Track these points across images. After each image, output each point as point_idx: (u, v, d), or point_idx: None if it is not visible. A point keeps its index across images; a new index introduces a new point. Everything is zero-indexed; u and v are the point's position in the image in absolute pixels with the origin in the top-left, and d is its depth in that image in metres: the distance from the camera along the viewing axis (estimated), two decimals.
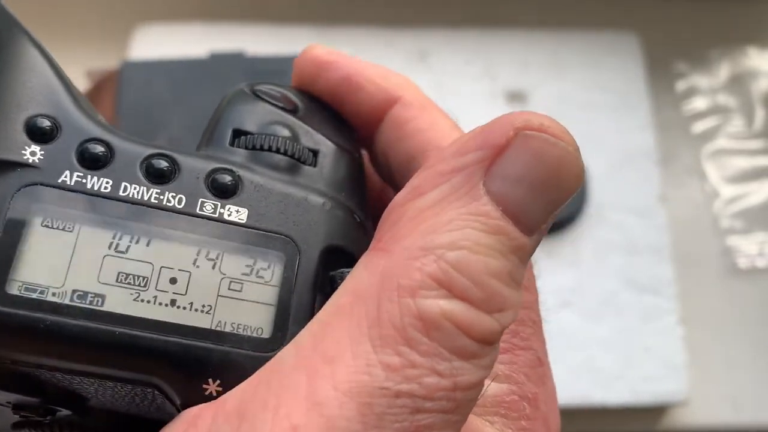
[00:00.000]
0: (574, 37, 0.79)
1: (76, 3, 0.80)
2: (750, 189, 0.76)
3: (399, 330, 0.22)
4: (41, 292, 0.23)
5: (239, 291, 0.25)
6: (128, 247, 0.24)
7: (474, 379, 0.22)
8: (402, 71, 0.32)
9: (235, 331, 0.24)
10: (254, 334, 0.25)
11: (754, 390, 0.69)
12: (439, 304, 0.22)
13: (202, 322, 0.24)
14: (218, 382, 0.24)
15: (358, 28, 0.75)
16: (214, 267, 0.25)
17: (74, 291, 0.24)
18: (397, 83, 0.31)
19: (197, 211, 0.25)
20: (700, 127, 0.78)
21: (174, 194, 0.25)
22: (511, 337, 0.28)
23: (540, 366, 0.29)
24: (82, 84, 0.66)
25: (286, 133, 0.28)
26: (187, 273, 0.25)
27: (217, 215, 0.26)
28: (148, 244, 0.25)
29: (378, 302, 0.22)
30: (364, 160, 0.32)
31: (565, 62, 0.77)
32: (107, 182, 0.25)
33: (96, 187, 0.25)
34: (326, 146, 0.29)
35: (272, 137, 0.28)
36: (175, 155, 0.26)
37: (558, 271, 0.68)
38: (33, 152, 0.25)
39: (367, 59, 0.32)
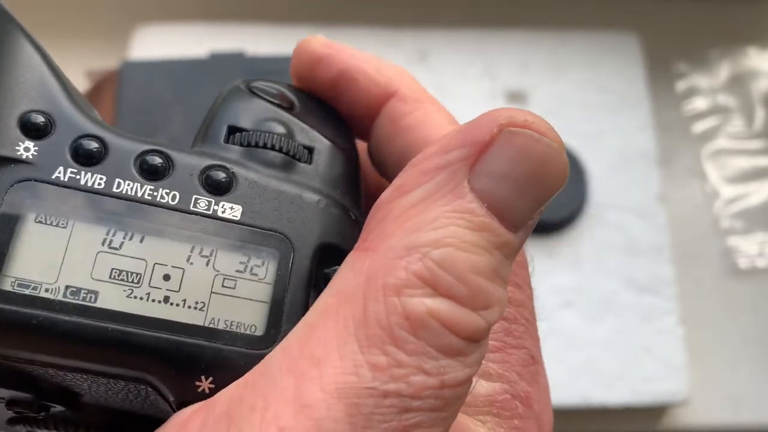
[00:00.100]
0: (574, 37, 0.79)
1: (76, 3, 0.80)
2: (750, 189, 0.76)
3: (385, 329, 0.22)
4: (34, 288, 0.23)
5: (233, 288, 0.25)
6: (122, 243, 0.24)
7: (461, 376, 0.22)
8: None
9: (228, 329, 0.24)
10: (247, 332, 0.25)
11: (754, 390, 0.69)
12: (425, 303, 0.22)
13: (195, 319, 0.24)
14: (211, 379, 0.24)
15: (358, 28, 0.75)
16: (207, 264, 0.25)
17: (67, 287, 0.24)
18: (393, 77, 0.31)
19: (191, 207, 0.25)
20: (700, 127, 0.78)
21: (168, 191, 0.25)
22: (503, 335, 0.28)
23: (533, 364, 0.29)
24: (82, 84, 0.66)
25: (281, 130, 0.28)
26: (180, 270, 0.25)
27: (211, 212, 0.26)
28: (141, 241, 0.25)
29: (364, 302, 0.22)
30: (360, 155, 0.32)
31: (565, 62, 0.77)
32: (101, 178, 0.25)
33: (90, 184, 0.25)
34: (321, 143, 0.29)
35: (267, 134, 0.28)
36: (169, 152, 0.26)
37: (558, 271, 0.68)
38: (27, 148, 0.25)
39: None
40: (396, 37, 0.77)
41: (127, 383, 0.25)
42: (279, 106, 0.29)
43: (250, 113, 0.29)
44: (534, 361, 0.29)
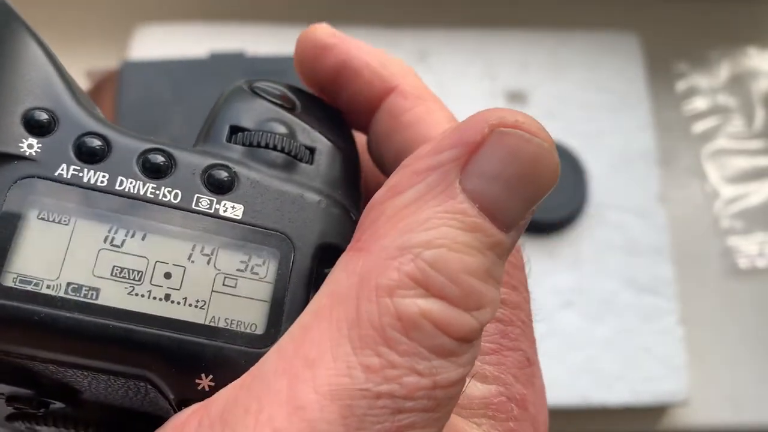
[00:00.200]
0: (574, 37, 0.79)
1: (76, 3, 0.80)
2: (750, 189, 0.76)
3: (378, 330, 0.22)
4: (36, 285, 0.23)
5: (233, 287, 0.25)
6: (123, 241, 0.24)
7: (454, 377, 0.22)
8: None
9: (228, 327, 0.24)
10: (248, 330, 0.25)
11: (754, 390, 0.69)
12: (417, 304, 0.22)
13: (195, 317, 0.24)
14: (211, 377, 0.24)
15: (358, 28, 0.75)
16: (208, 262, 0.25)
17: (69, 284, 0.24)
18: (396, 71, 0.31)
19: (193, 206, 0.25)
20: (700, 127, 0.78)
21: (170, 189, 0.25)
22: (499, 337, 0.28)
23: (528, 366, 0.29)
24: (82, 84, 0.66)
25: (283, 130, 0.28)
26: (181, 268, 0.25)
27: (212, 211, 0.26)
28: (143, 239, 0.25)
29: (357, 303, 0.22)
30: (359, 151, 0.32)
31: (565, 62, 0.78)
32: (104, 176, 0.25)
33: (92, 181, 0.25)
34: (323, 144, 0.29)
35: (269, 134, 0.28)
36: (172, 150, 0.26)
37: (558, 272, 0.68)
38: (30, 145, 0.25)
39: None
40: (396, 37, 0.77)
41: (127, 380, 0.25)
42: (281, 106, 0.29)
43: (252, 113, 0.29)
44: (530, 363, 0.29)
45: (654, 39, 0.80)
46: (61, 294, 0.23)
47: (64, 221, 0.24)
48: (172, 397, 0.24)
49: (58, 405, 0.27)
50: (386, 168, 0.32)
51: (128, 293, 0.24)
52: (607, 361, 0.66)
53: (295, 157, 0.28)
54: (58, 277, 0.24)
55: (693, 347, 0.68)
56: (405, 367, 0.22)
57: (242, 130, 0.28)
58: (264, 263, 0.25)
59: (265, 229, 0.26)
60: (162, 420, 0.26)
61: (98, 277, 0.24)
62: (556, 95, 0.76)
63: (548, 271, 0.68)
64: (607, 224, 0.71)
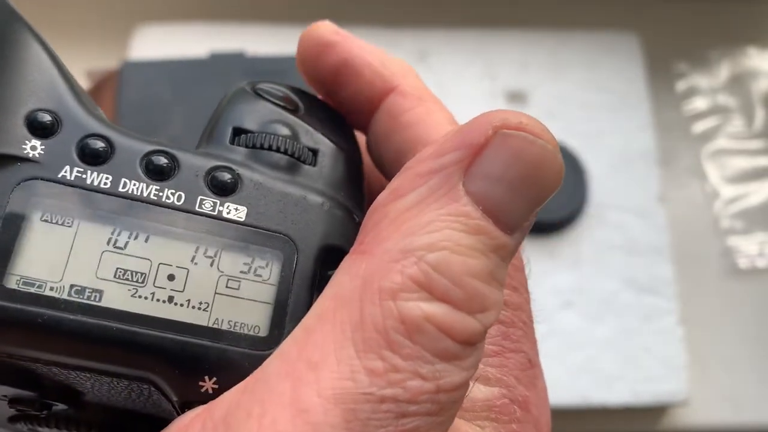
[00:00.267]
0: (573, 37, 0.79)
1: (76, 3, 0.80)
2: (750, 189, 0.76)
3: (381, 333, 0.22)
4: (39, 287, 0.23)
5: (237, 289, 0.25)
6: (127, 243, 0.24)
7: (457, 380, 0.22)
8: None
9: (232, 329, 0.24)
10: (251, 332, 0.25)
11: (754, 390, 0.69)
12: (421, 307, 0.22)
13: (199, 319, 0.24)
14: (214, 379, 0.24)
15: (358, 28, 0.74)
16: (212, 264, 0.25)
17: (72, 286, 0.24)
18: (397, 71, 0.31)
19: (196, 208, 0.25)
20: (700, 127, 0.78)
21: (173, 191, 0.25)
22: (501, 339, 0.28)
23: (530, 368, 0.29)
24: (82, 84, 0.66)
25: (286, 132, 0.28)
26: (185, 270, 0.25)
27: (216, 213, 0.26)
28: (146, 241, 0.25)
29: (360, 306, 0.22)
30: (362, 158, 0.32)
31: (565, 62, 0.78)
32: (107, 178, 0.25)
33: (96, 183, 0.25)
34: (326, 146, 0.29)
35: (272, 136, 0.28)
36: (175, 152, 0.26)
37: (558, 272, 0.68)
38: (33, 147, 0.25)
39: None
40: (396, 37, 0.77)
41: (130, 382, 0.25)
42: (284, 108, 0.29)
43: (255, 115, 0.29)
44: (532, 365, 0.29)
45: (654, 39, 0.80)
46: (65, 296, 0.23)
47: (68, 223, 0.24)
48: (175, 399, 0.24)
49: (60, 407, 0.27)
50: (385, 168, 0.32)
51: (131, 295, 0.24)
52: (607, 361, 0.66)
53: (298, 158, 0.28)
54: (61, 279, 0.24)
55: (693, 347, 0.68)
56: (409, 370, 0.22)
57: (245, 131, 0.28)
58: (267, 265, 0.25)
59: (268, 231, 0.26)
60: (164, 422, 0.26)
61: (101, 279, 0.24)
62: (556, 95, 0.76)
63: (548, 271, 0.68)
64: (607, 224, 0.71)
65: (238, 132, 0.28)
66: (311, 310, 0.24)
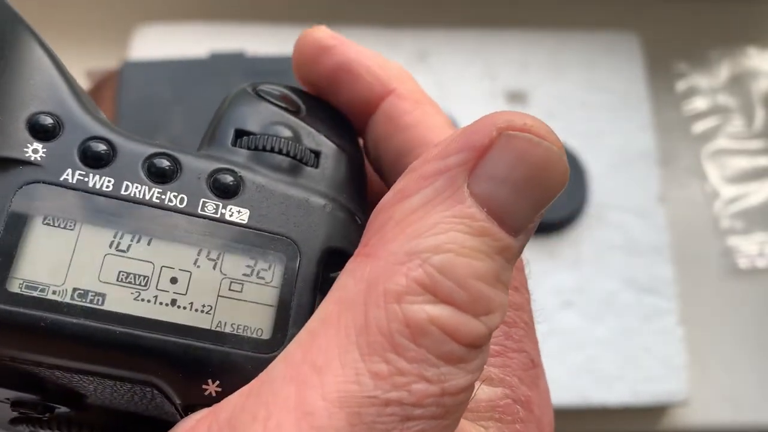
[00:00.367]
0: (573, 37, 0.79)
1: (76, 3, 0.80)
2: (750, 189, 0.76)
3: (386, 336, 0.22)
4: (42, 290, 0.23)
5: (239, 291, 0.25)
6: (129, 246, 0.24)
7: (463, 383, 0.22)
8: None
9: (235, 332, 0.24)
10: (254, 335, 0.25)
11: (754, 390, 0.69)
12: (425, 310, 0.22)
13: (202, 322, 0.24)
14: (218, 382, 0.24)
15: (358, 28, 0.75)
16: (214, 267, 0.25)
17: (75, 289, 0.24)
18: (394, 75, 0.31)
19: (198, 211, 0.25)
20: (700, 127, 0.78)
21: (176, 194, 0.25)
22: (503, 339, 0.28)
23: (533, 368, 0.29)
24: (82, 84, 0.66)
25: (288, 133, 0.28)
26: (187, 273, 0.25)
27: (218, 215, 0.25)
28: (149, 244, 0.25)
29: (365, 309, 0.22)
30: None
31: (565, 62, 0.78)
32: (109, 181, 0.25)
33: (98, 186, 0.25)
34: (328, 147, 0.29)
35: (274, 138, 0.28)
36: (177, 155, 0.26)
37: (558, 272, 0.68)
38: (35, 150, 0.25)
39: None
40: (396, 37, 0.77)
41: (133, 385, 0.25)
42: (286, 109, 0.29)
43: (257, 117, 0.29)
44: (534, 365, 0.29)
45: (654, 39, 0.80)
46: (67, 300, 0.23)
47: (70, 226, 0.24)
48: (178, 402, 0.24)
49: (62, 409, 0.26)
50: (383, 170, 0.32)
51: (134, 298, 0.24)
52: (607, 361, 0.66)
53: (300, 160, 0.28)
54: (63, 283, 0.24)
55: (693, 347, 0.68)
56: (413, 374, 0.21)
57: (247, 133, 0.28)
58: (270, 268, 0.25)
59: (270, 233, 0.26)
60: (167, 424, 0.26)
61: (104, 282, 0.24)
62: (556, 95, 0.76)
63: (548, 271, 0.68)
64: (607, 224, 0.71)
65: (240, 134, 0.28)
66: (315, 313, 0.24)
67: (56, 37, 0.27)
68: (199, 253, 0.25)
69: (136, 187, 0.25)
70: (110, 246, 0.24)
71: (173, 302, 0.24)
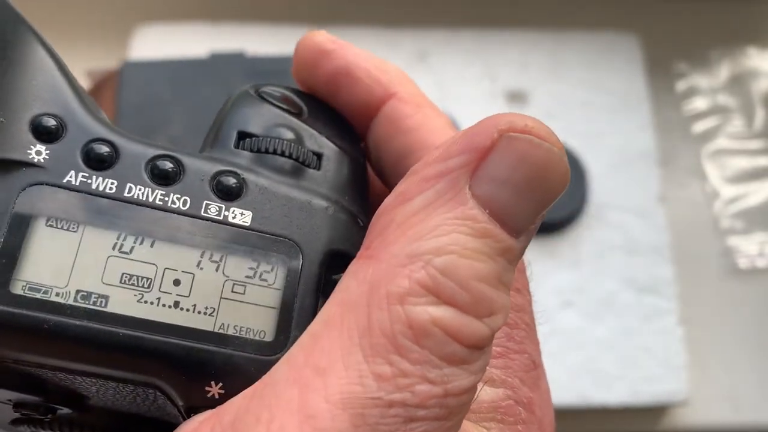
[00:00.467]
0: (573, 37, 0.79)
1: (76, 3, 0.80)
2: (750, 189, 0.76)
3: (389, 338, 0.22)
4: (45, 292, 0.23)
5: (242, 294, 0.25)
6: (132, 248, 0.24)
7: (466, 384, 0.22)
8: None
9: (237, 334, 0.24)
10: (257, 337, 0.25)
11: (754, 390, 0.69)
12: (428, 311, 0.22)
13: (205, 324, 0.24)
14: (220, 384, 0.24)
15: (358, 28, 0.75)
16: (217, 269, 0.25)
17: (78, 291, 0.24)
18: (394, 78, 0.31)
19: (202, 213, 0.25)
20: (700, 127, 0.78)
21: (179, 196, 0.25)
22: (505, 340, 0.28)
23: (534, 369, 0.29)
24: (82, 84, 0.66)
25: (290, 135, 0.28)
26: (190, 275, 0.25)
27: (221, 217, 0.25)
28: (152, 246, 0.24)
29: (368, 311, 0.22)
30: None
31: (565, 63, 0.78)
32: (112, 183, 0.25)
33: (101, 188, 0.25)
34: (330, 149, 0.29)
35: (277, 140, 0.28)
36: (180, 156, 0.26)
37: (558, 272, 0.68)
38: (38, 152, 0.25)
39: None
40: (396, 37, 0.77)
41: (135, 387, 0.25)
42: (288, 111, 0.29)
43: (259, 119, 0.29)
44: (535, 366, 0.29)
45: (654, 39, 0.80)
46: (70, 302, 0.23)
47: (73, 228, 0.24)
48: (181, 404, 0.24)
49: (64, 410, 0.26)
50: (385, 173, 0.32)
51: (137, 300, 0.24)
52: (606, 361, 0.66)
53: (302, 163, 0.28)
54: (66, 285, 0.23)
55: (693, 347, 0.68)
56: (417, 375, 0.22)
57: (250, 135, 0.28)
58: (272, 270, 0.25)
59: (273, 235, 0.26)
60: (169, 425, 0.26)
61: (107, 284, 0.24)
62: (556, 95, 0.76)
63: (548, 271, 0.68)
64: (607, 224, 0.71)
65: (242, 136, 0.28)
66: (318, 315, 0.24)
67: (56, 37, 0.27)
68: (202, 255, 0.25)
69: (139, 189, 0.25)
70: (113, 248, 0.24)
71: (176, 304, 0.24)
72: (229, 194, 0.26)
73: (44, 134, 0.25)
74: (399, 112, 0.31)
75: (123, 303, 0.24)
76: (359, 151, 0.31)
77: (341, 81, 0.31)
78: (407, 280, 0.22)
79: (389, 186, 0.31)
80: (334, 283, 0.25)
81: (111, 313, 0.24)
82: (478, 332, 0.22)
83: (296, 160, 0.28)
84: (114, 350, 0.23)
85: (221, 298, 0.25)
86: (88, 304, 0.23)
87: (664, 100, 0.79)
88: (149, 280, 0.24)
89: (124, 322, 0.24)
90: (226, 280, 0.25)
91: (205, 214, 0.25)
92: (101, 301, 0.24)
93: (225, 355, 0.24)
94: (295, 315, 0.25)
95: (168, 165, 0.26)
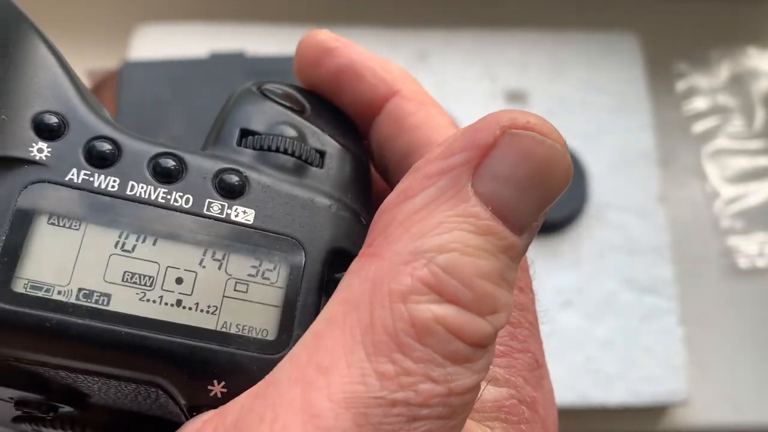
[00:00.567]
0: (573, 37, 0.79)
1: (76, 3, 0.80)
2: (750, 189, 0.76)
3: (392, 336, 0.22)
4: (47, 291, 0.23)
5: (245, 292, 0.25)
6: (134, 246, 0.24)
7: (469, 383, 0.22)
8: None
9: (240, 333, 0.24)
10: (259, 336, 0.24)
11: (754, 390, 0.69)
12: (431, 309, 0.22)
13: (207, 323, 0.24)
14: (223, 383, 0.24)
15: (358, 28, 0.75)
16: (220, 267, 0.25)
17: (80, 290, 0.23)
18: (398, 76, 0.31)
19: (204, 211, 0.25)
20: (700, 127, 0.78)
21: (181, 194, 0.25)
22: (509, 339, 0.28)
23: (537, 368, 0.29)
24: None
25: (293, 133, 0.28)
26: (193, 273, 0.24)
27: (224, 216, 0.25)
28: (154, 244, 0.24)
29: (370, 309, 0.22)
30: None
31: (565, 63, 0.78)
32: (114, 181, 0.25)
33: (103, 186, 0.25)
34: (333, 147, 0.29)
35: (279, 138, 0.28)
36: (183, 154, 0.26)
37: (558, 272, 0.68)
38: (40, 149, 0.24)
39: None
40: (396, 37, 0.77)
41: (138, 386, 0.24)
42: (290, 109, 0.29)
43: (262, 116, 0.28)
44: (539, 365, 0.29)
45: (654, 39, 0.80)
46: (72, 300, 0.23)
47: (75, 226, 0.24)
48: (183, 403, 0.24)
49: (66, 409, 0.26)
50: (388, 171, 0.32)
51: (140, 299, 0.24)
52: (606, 361, 0.66)
53: (305, 161, 0.28)
54: (68, 283, 0.23)
55: (693, 347, 0.68)
56: (420, 374, 0.21)
57: (252, 133, 0.28)
58: (275, 268, 0.25)
59: (276, 233, 0.26)
60: (171, 424, 0.26)
61: (109, 282, 0.24)
62: (556, 95, 0.76)
63: (548, 271, 0.68)
64: (607, 224, 0.71)
65: (245, 133, 0.28)
66: (321, 314, 0.24)
67: (56, 36, 0.27)
68: (204, 254, 0.25)
69: (142, 187, 0.25)
70: (115, 246, 0.24)
71: (178, 303, 0.24)
72: (231, 192, 0.26)
73: (46, 131, 0.25)
74: (402, 110, 0.30)
75: (125, 301, 0.24)
76: (362, 149, 0.31)
77: (344, 79, 0.31)
78: (410, 278, 0.22)
79: (392, 184, 0.31)
80: (337, 281, 0.25)
81: (113, 312, 0.23)
82: (481, 330, 0.22)
83: (299, 157, 0.28)
84: (116, 349, 0.23)
85: (224, 296, 0.25)
86: (90, 302, 0.23)
87: (664, 100, 0.79)
88: (151, 279, 0.24)
89: (126, 321, 0.23)
90: (228, 279, 0.25)
91: (208, 212, 0.25)
92: (103, 300, 0.24)
93: (227, 353, 0.24)
94: (297, 313, 0.25)
95: (170, 163, 0.25)
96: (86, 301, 0.23)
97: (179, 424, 0.24)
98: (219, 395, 0.24)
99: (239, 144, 0.28)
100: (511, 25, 0.79)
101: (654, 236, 0.70)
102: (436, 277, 0.22)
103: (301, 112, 0.29)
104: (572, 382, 0.65)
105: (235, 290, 0.25)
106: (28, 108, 0.25)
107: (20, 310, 0.23)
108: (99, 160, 0.25)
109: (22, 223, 0.24)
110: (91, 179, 0.25)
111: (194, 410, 0.24)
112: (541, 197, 0.23)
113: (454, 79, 0.76)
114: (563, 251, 0.69)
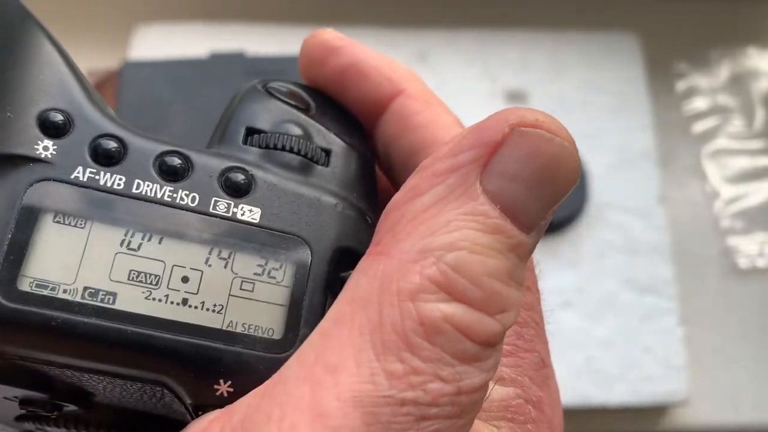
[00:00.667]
0: (573, 37, 0.79)
1: (76, 3, 0.79)
2: (750, 189, 0.76)
3: (400, 335, 0.22)
4: (52, 289, 0.23)
5: (251, 291, 0.25)
6: (140, 244, 0.24)
7: (478, 382, 0.22)
8: None
9: (246, 332, 0.24)
10: (265, 335, 0.24)
11: (754, 390, 0.69)
12: (440, 308, 0.22)
13: (213, 321, 0.24)
14: (229, 382, 0.24)
15: (358, 28, 0.75)
16: (226, 266, 0.25)
17: (85, 288, 0.23)
18: (403, 75, 0.31)
19: (210, 209, 0.25)
20: (700, 127, 0.78)
21: (187, 192, 0.25)
22: (515, 339, 0.28)
23: (543, 368, 0.29)
24: None
25: (298, 132, 0.28)
26: (199, 272, 0.24)
27: (230, 214, 0.25)
28: (160, 242, 0.24)
29: (379, 307, 0.22)
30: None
31: (565, 63, 0.78)
32: (120, 179, 0.25)
33: (109, 184, 0.25)
34: (338, 146, 0.29)
35: (285, 136, 0.28)
36: (189, 153, 0.26)
37: (558, 272, 0.68)
38: (45, 147, 0.24)
39: None
40: (396, 37, 0.77)
41: (143, 385, 0.24)
42: (296, 107, 0.29)
43: (267, 115, 0.28)
44: (544, 365, 0.29)
45: (654, 39, 0.80)
46: (78, 299, 0.23)
47: (80, 225, 0.24)
48: (189, 402, 0.24)
49: (70, 407, 0.26)
50: (393, 170, 0.32)
51: (145, 297, 0.24)
52: (607, 361, 0.66)
53: (311, 159, 0.28)
54: (74, 282, 0.23)
55: (693, 347, 0.68)
56: (428, 373, 0.21)
57: (258, 132, 0.28)
58: (281, 267, 0.25)
59: (282, 232, 0.26)
60: (176, 423, 0.26)
61: (115, 281, 0.24)
62: (556, 95, 0.76)
63: (548, 271, 0.68)
64: (607, 224, 0.71)
65: (250, 132, 0.28)
66: (328, 313, 0.23)
67: (57, 36, 0.27)
68: (210, 252, 0.25)
69: (148, 186, 0.25)
70: (121, 244, 0.24)
71: (184, 301, 0.24)
72: (237, 191, 0.26)
73: (51, 129, 0.25)
74: (408, 109, 0.30)
75: (131, 300, 0.24)
76: (367, 148, 0.31)
77: (349, 78, 0.31)
78: (418, 276, 0.22)
79: (396, 183, 0.31)
80: (343, 280, 0.25)
81: (119, 311, 0.23)
82: (489, 329, 0.22)
83: (305, 156, 0.28)
84: (122, 348, 0.23)
85: (230, 295, 0.24)
86: (96, 301, 0.23)
87: (664, 100, 0.79)
88: (157, 277, 0.24)
89: (132, 320, 0.23)
90: (234, 278, 0.25)
91: (214, 211, 0.25)
92: (109, 299, 0.23)
93: (233, 353, 0.24)
94: (303, 312, 0.25)
95: (176, 161, 0.25)
96: (92, 300, 0.23)
97: (184, 424, 0.24)
98: (225, 394, 0.24)
99: (245, 142, 0.28)
100: (511, 25, 0.79)
101: (654, 236, 0.70)
102: (444, 276, 0.22)
103: (306, 110, 0.29)
104: (572, 382, 0.65)
105: (241, 289, 0.25)
106: (33, 106, 0.25)
107: (26, 309, 0.23)
108: (105, 158, 0.25)
109: (28, 221, 0.23)
110: (97, 177, 0.25)
111: (200, 409, 0.24)
112: (550, 195, 0.23)
113: (454, 79, 0.76)
114: (563, 251, 0.69)
